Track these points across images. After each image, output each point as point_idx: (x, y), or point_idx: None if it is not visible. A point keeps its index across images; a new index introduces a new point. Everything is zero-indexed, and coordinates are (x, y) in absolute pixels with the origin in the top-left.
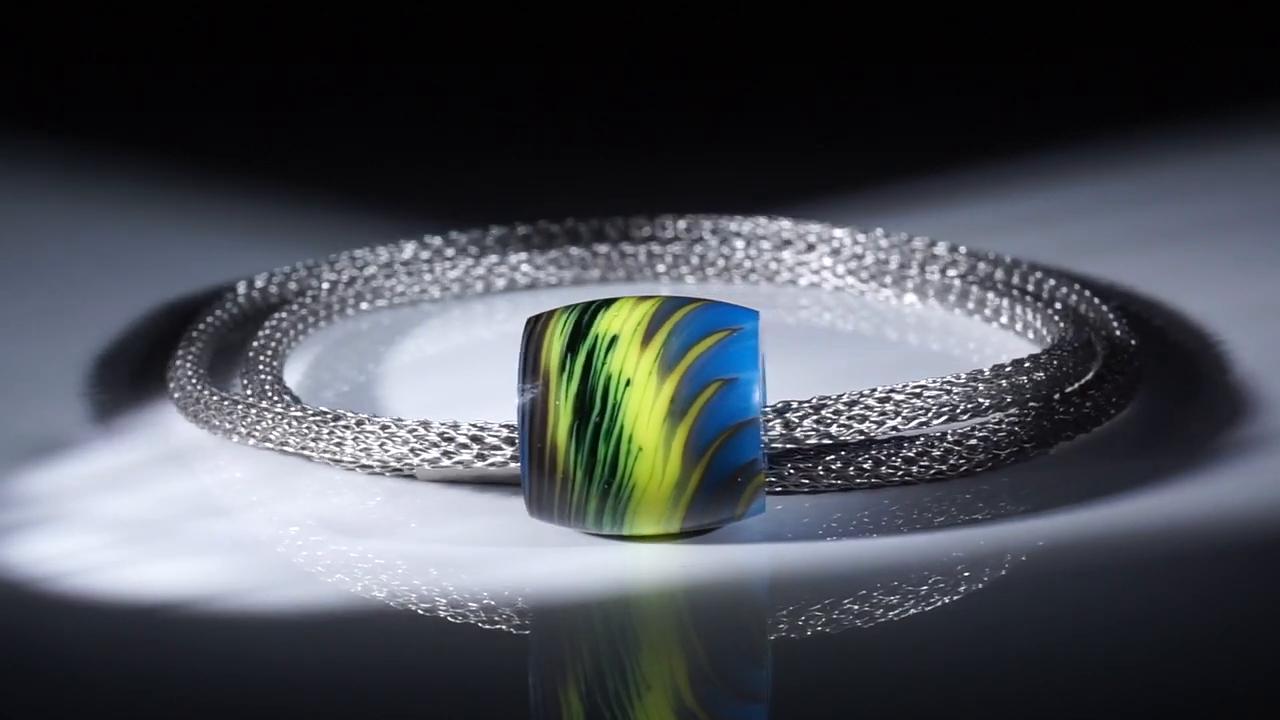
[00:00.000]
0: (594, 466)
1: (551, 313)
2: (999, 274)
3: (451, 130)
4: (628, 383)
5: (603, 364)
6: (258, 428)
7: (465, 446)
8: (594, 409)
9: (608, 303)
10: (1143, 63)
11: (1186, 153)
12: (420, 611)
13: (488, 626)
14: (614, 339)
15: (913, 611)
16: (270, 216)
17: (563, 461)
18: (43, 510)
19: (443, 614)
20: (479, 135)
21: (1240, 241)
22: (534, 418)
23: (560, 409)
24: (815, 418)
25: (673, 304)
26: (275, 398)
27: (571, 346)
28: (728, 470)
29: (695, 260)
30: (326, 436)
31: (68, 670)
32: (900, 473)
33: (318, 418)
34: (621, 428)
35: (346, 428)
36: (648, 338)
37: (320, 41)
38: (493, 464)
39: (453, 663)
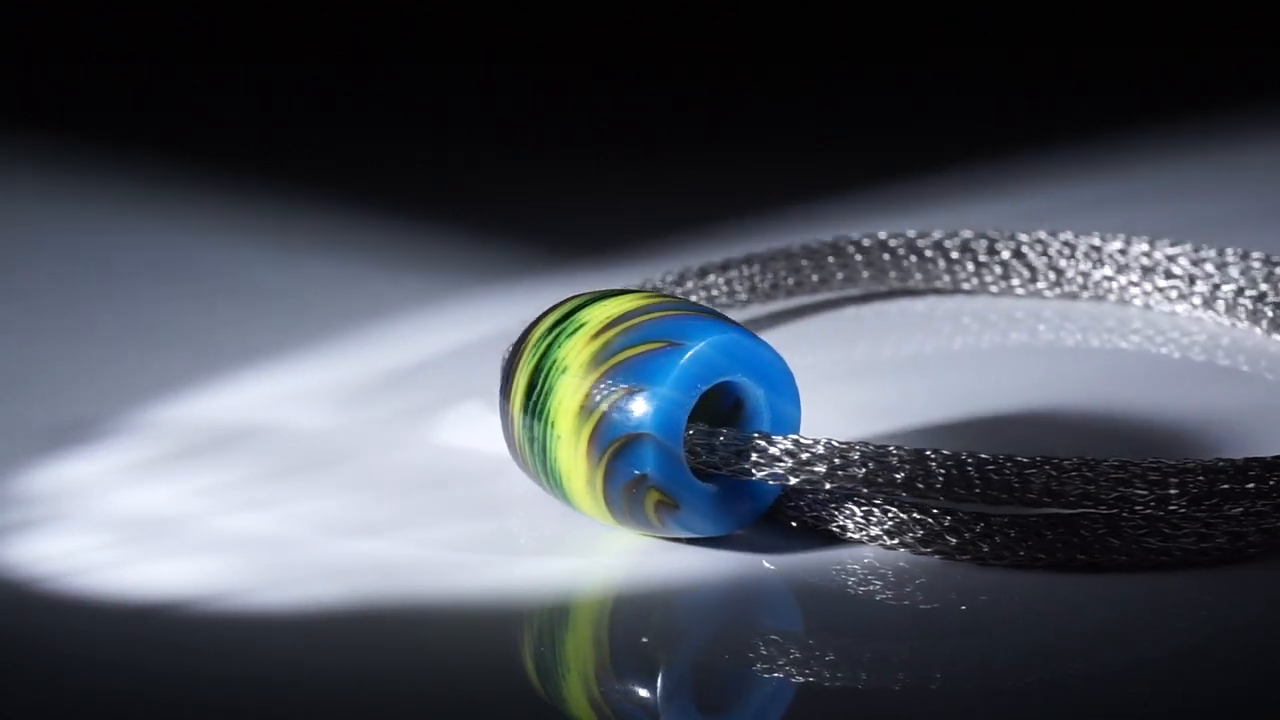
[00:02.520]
0: (532, 441)
1: (576, 295)
2: None
3: (453, 129)
4: (564, 370)
5: (558, 347)
6: None
7: None
8: (535, 388)
9: (617, 293)
10: (1141, 63)
11: (1187, 153)
12: (419, 611)
13: (485, 626)
14: (580, 326)
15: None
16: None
17: (516, 430)
18: (45, 509)
19: (441, 613)
20: (479, 135)
21: None
22: (505, 383)
23: (518, 382)
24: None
25: (660, 306)
26: None
27: (553, 326)
28: (621, 479)
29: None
30: None
31: (68, 670)
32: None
33: None
34: (549, 411)
35: None
36: (601, 331)
37: (320, 43)
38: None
39: (452, 661)
